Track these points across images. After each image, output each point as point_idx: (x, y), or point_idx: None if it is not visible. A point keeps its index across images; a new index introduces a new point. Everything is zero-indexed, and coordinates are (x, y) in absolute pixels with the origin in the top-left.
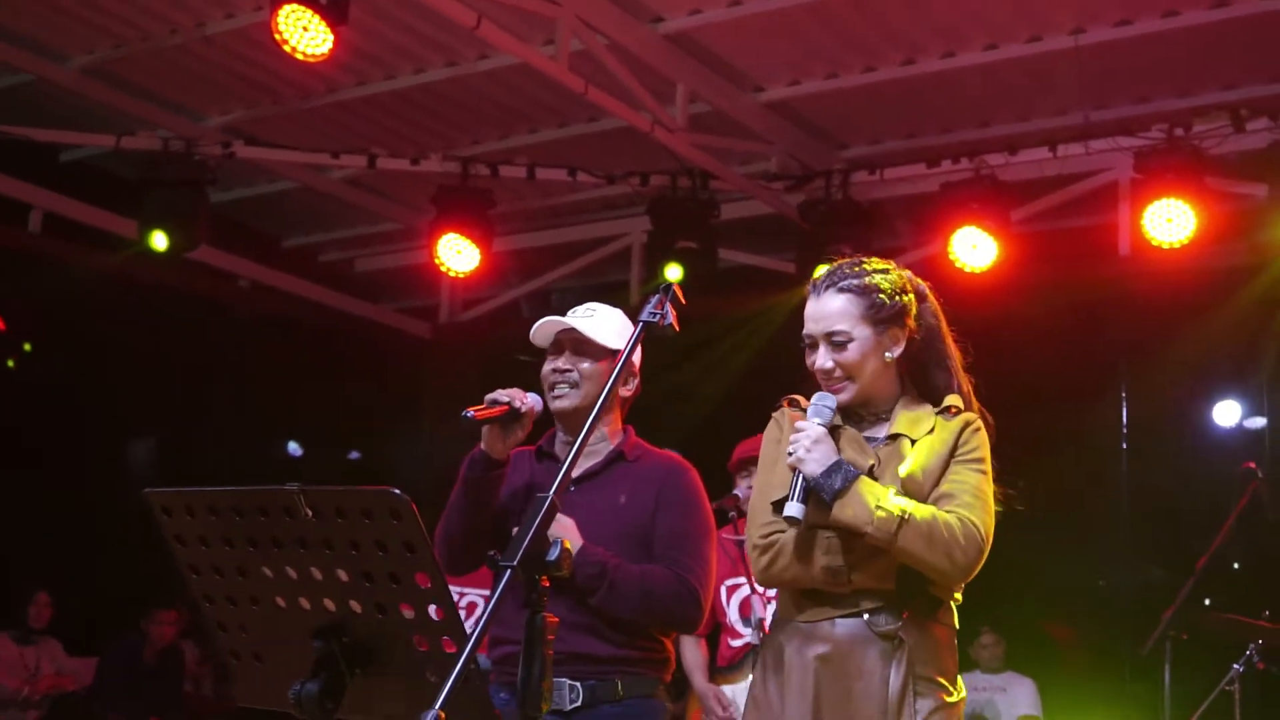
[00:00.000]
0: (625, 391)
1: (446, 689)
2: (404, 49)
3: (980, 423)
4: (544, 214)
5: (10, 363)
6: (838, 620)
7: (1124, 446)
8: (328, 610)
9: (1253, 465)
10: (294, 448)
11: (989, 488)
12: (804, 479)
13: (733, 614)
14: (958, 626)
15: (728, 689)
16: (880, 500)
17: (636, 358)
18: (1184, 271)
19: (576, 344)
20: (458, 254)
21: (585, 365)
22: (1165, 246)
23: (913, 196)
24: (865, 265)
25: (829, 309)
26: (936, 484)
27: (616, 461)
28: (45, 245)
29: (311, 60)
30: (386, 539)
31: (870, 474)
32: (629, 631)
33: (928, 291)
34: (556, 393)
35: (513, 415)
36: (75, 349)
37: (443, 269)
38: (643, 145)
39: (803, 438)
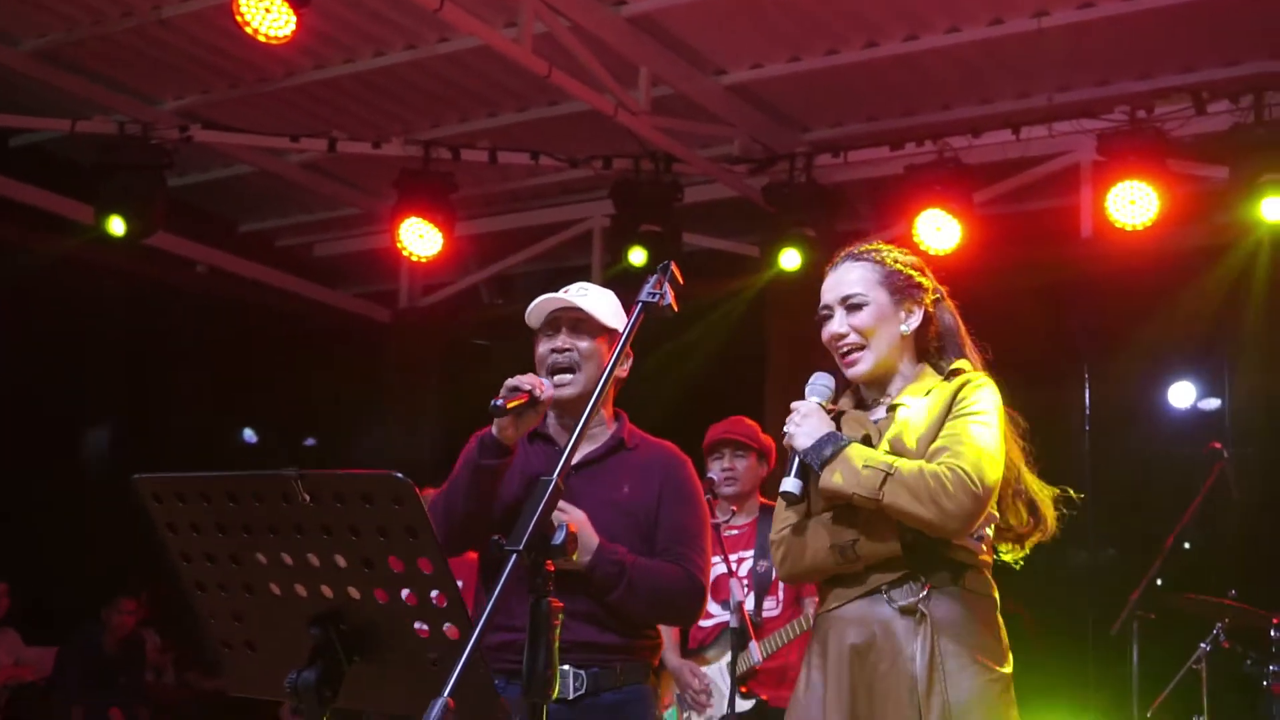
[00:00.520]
0: (622, 372)
1: (455, 675)
2: (364, 31)
3: (986, 381)
4: (504, 198)
5: None
6: (859, 601)
7: (1086, 428)
8: (325, 597)
9: (1218, 446)
10: (249, 435)
11: (990, 437)
12: (798, 455)
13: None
14: (996, 596)
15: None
16: (867, 460)
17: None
18: (1146, 254)
19: (574, 322)
20: (420, 238)
21: (584, 344)
22: (1128, 229)
23: (875, 179)
24: (883, 245)
25: (846, 276)
26: (932, 443)
27: (617, 450)
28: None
29: (274, 42)
30: (388, 524)
31: (865, 443)
32: (632, 621)
33: (945, 294)
34: (558, 380)
35: (531, 403)
36: (29, 335)
37: (405, 253)
38: (604, 129)
39: (794, 415)
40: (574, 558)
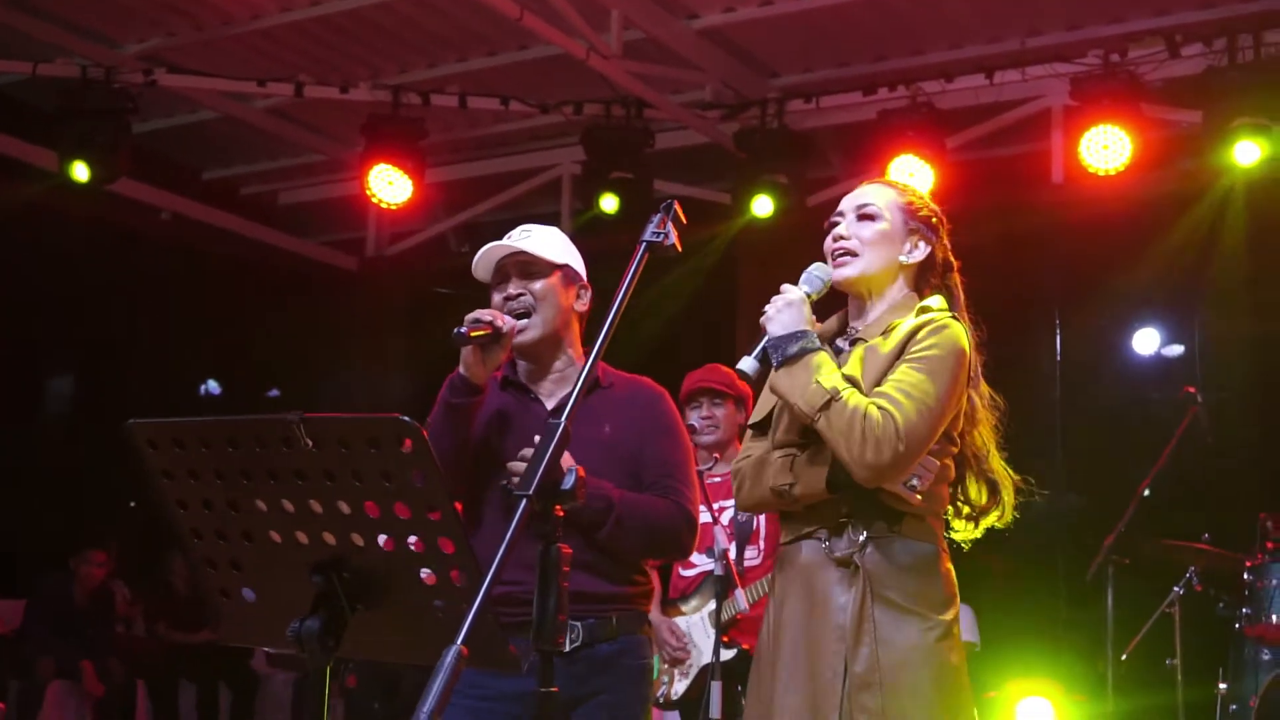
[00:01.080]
0: (580, 306)
1: (468, 624)
2: None
3: (948, 323)
4: (471, 145)
5: None
6: (801, 544)
7: (1057, 374)
8: (327, 544)
9: (1192, 390)
10: (213, 385)
11: (933, 388)
12: (764, 340)
13: None
14: (941, 544)
15: (680, 621)
16: (820, 376)
17: (583, 269)
18: (1117, 199)
19: (522, 266)
20: (389, 185)
21: (537, 285)
22: (1101, 173)
23: (848, 125)
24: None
25: (868, 189)
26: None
27: (594, 389)
28: None
29: None
30: (394, 469)
31: None
32: (625, 567)
33: (955, 268)
34: (518, 325)
35: (494, 336)
36: None
37: (374, 200)
38: (573, 74)
39: (778, 299)
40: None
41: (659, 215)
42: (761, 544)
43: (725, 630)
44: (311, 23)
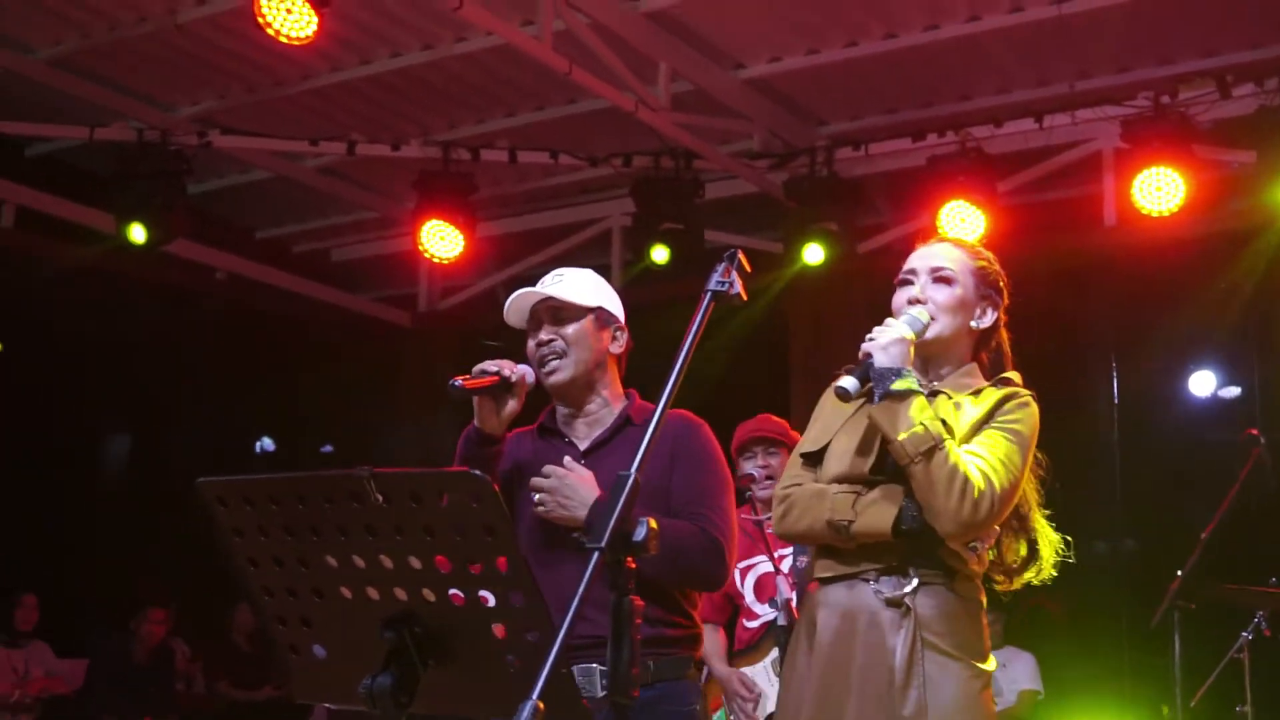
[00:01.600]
0: (615, 349)
1: (543, 677)
2: (380, 33)
3: (1031, 402)
4: (521, 199)
5: None
6: (846, 583)
7: (1115, 417)
8: (398, 600)
9: (1255, 432)
10: (267, 443)
11: (1019, 460)
12: (869, 367)
13: (749, 595)
14: (985, 603)
15: (747, 670)
16: (926, 420)
17: (620, 312)
18: (1171, 240)
19: (553, 312)
20: (441, 240)
21: (569, 330)
22: (1154, 215)
23: (897, 172)
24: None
25: (941, 250)
26: (965, 443)
27: (625, 426)
28: (18, 240)
29: (295, 44)
30: (465, 523)
31: None
32: (662, 608)
33: (1003, 326)
34: (548, 367)
35: (503, 386)
36: (49, 345)
37: (426, 255)
38: (622, 126)
39: (887, 331)
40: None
41: (723, 264)
42: None
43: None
44: (361, 82)
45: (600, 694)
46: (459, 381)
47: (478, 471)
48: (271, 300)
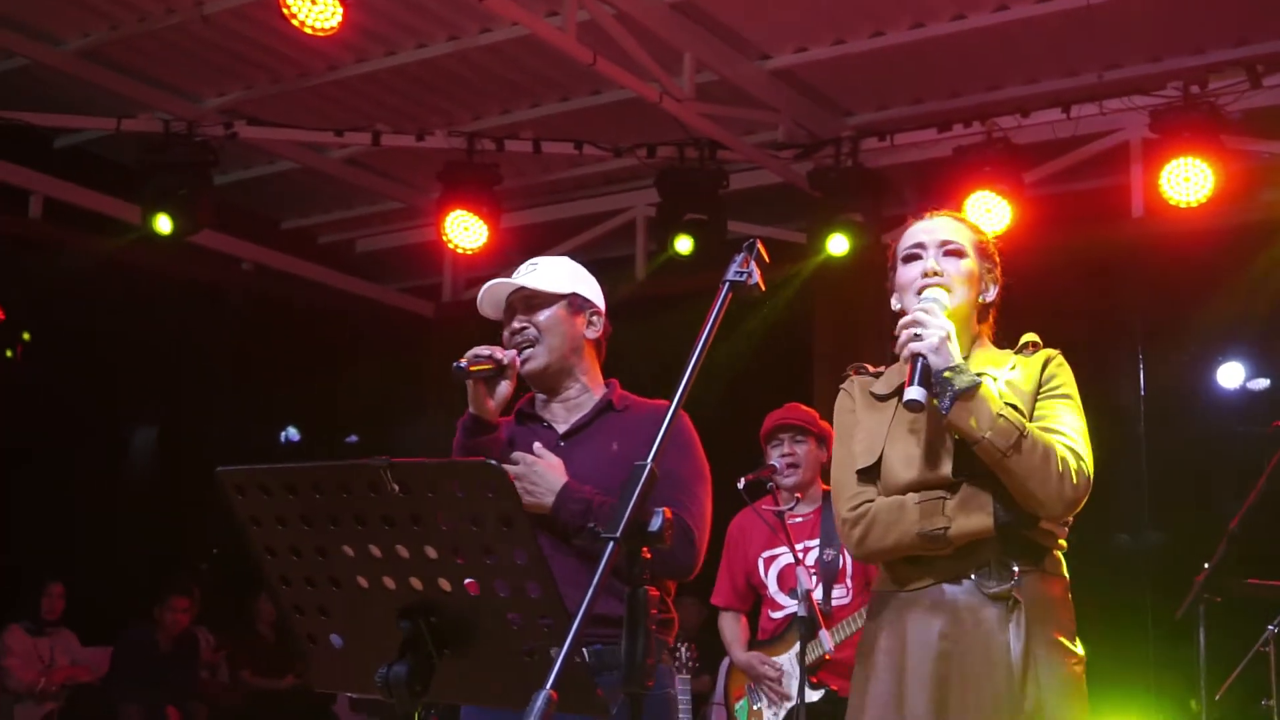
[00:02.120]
0: (591, 334)
1: (557, 668)
2: (405, 24)
3: (1062, 360)
4: (545, 190)
5: (9, 352)
6: (946, 586)
7: (1142, 409)
8: (414, 589)
9: None
10: (292, 433)
11: (1082, 420)
12: (924, 370)
13: (772, 585)
14: (1067, 576)
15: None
16: (1002, 409)
17: (597, 297)
18: (1199, 232)
19: (526, 300)
20: (466, 230)
21: (540, 318)
22: (1183, 206)
23: (923, 162)
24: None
25: (945, 224)
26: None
27: (605, 412)
28: (45, 231)
29: (320, 35)
30: (481, 513)
31: None
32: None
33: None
34: (522, 355)
35: (497, 370)
36: (75, 336)
37: (451, 246)
38: (646, 117)
39: (933, 329)
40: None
41: (742, 255)
42: (849, 583)
43: (813, 671)
44: (386, 73)
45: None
46: (463, 363)
47: (494, 462)
48: (297, 291)
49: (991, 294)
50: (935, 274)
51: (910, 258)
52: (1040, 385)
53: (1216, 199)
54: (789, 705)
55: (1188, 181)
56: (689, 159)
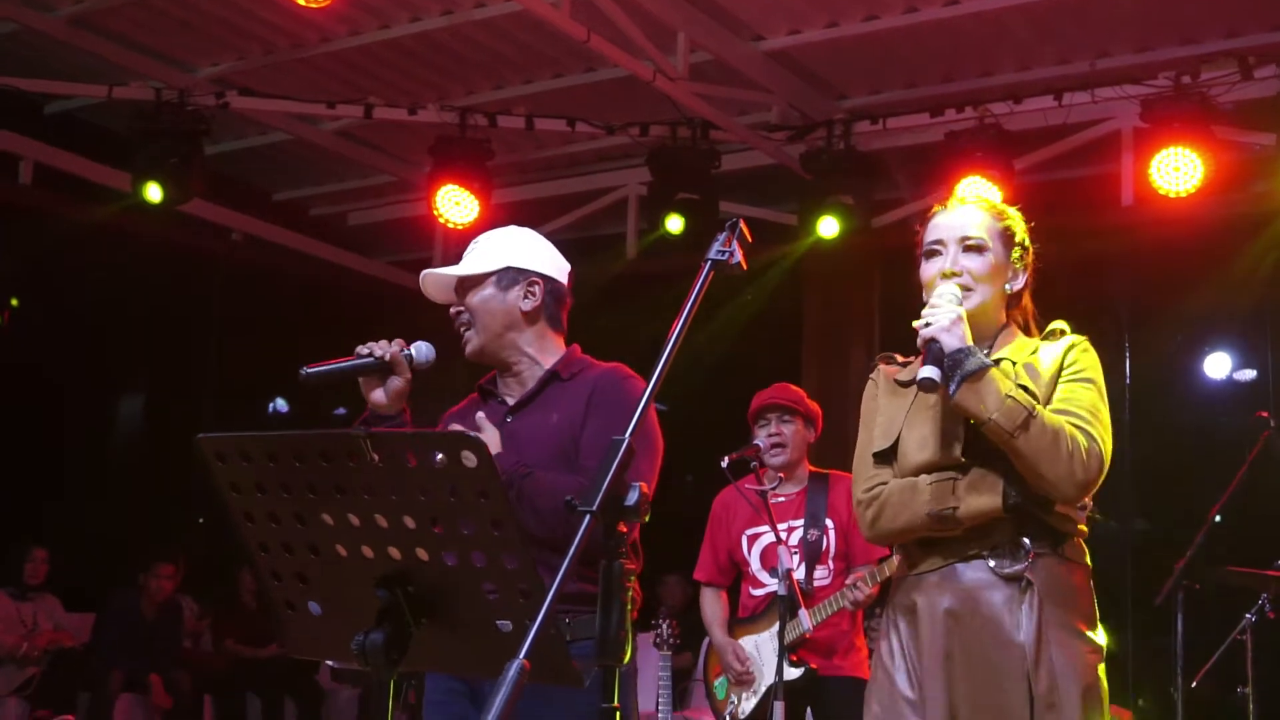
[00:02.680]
0: (527, 305)
1: (530, 638)
2: None
3: (1088, 346)
4: (537, 166)
5: None
6: (958, 566)
7: (1127, 398)
8: (392, 559)
9: (1265, 415)
10: (281, 404)
11: (1103, 405)
12: (937, 352)
13: (755, 563)
14: (1090, 564)
15: (749, 640)
16: (1010, 390)
17: (539, 264)
18: (1188, 221)
19: (459, 284)
20: (456, 206)
21: (473, 301)
22: (1172, 196)
23: (915, 146)
24: (1001, 203)
25: (966, 217)
26: (1045, 405)
27: (550, 384)
28: (35, 197)
29: (314, 6)
30: (459, 485)
31: None
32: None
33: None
34: (462, 339)
35: (373, 368)
36: (63, 303)
37: (441, 220)
38: (639, 95)
39: (943, 313)
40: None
41: (724, 234)
42: (831, 563)
43: (793, 649)
44: (380, 46)
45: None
46: (306, 370)
47: (472, 434)
48: (288, 262)
49: (1020, 282)
50: (954, 275)
51: (931, 254)
52: (1061, 369)
53: (1206, 189)
54: (767, 682)
55: (1177, 171)
56: (681, 138)
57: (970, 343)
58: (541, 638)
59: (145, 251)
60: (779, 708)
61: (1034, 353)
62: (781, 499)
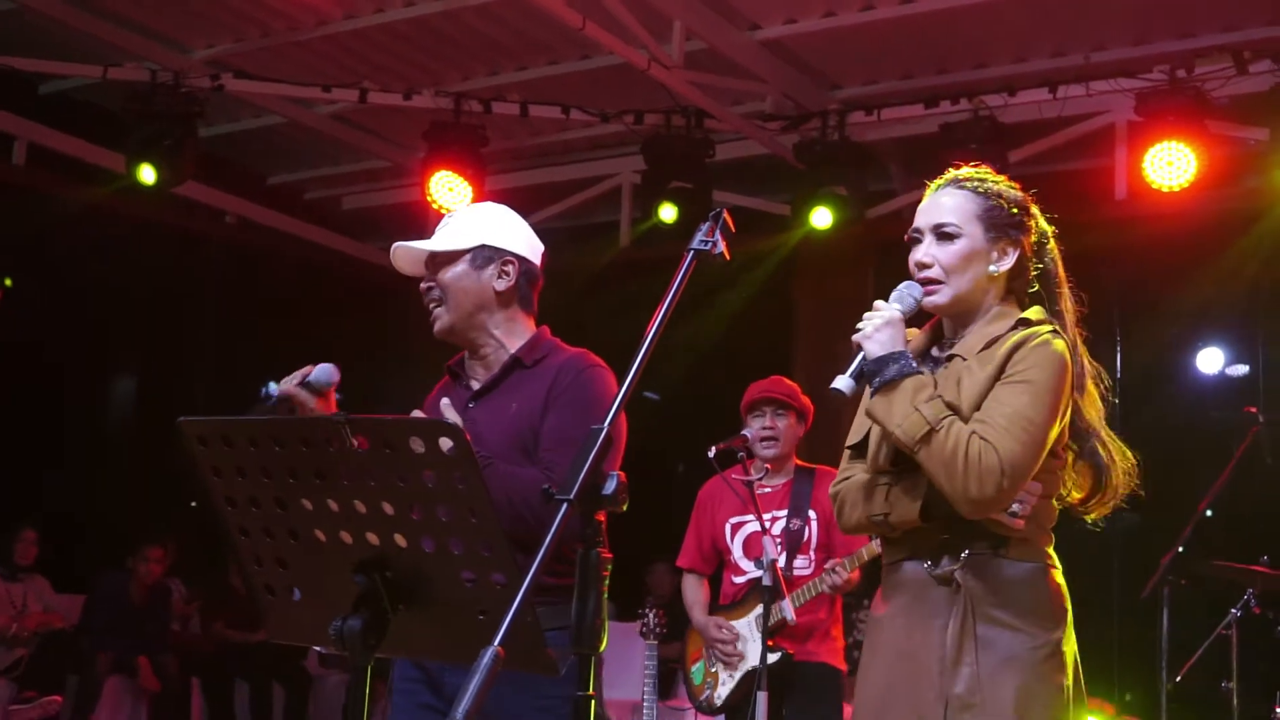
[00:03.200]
0: (501, 285)
1: (506, 624)
2: None
3: (1048, 338)
4: (532, 153)
5: None
6: (903, 564)
7: (1117, 392)
8: (370, 544)
9: (1254, 410)
10: (273, 388)
11: (1035, 413)
12: (861, 358)
13: (737, 551)
14: (1050, 561)
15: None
16: (920, 403)
17: (515, 244)
18: (1181, 216)
19: (431, 259)
20: (450, 191)
21: (445, 277)
22: (1165, 189)
23: (909, 138)
24: (990, 174)
25: (943, 202)
26: (977, 408)
27: (512, 370)
28: (29, 177)
29: None
30: (436, 471)
31: None
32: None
33: (1051, 236)
34: (431, 315)
35: (273, 409)
36: (57, 283)
37: (434, 206)
38: (634, 83)
39: (874, 316)
40: None
41: (707, 223)
42: (812, 554)
43: (772, 635)
44: (375, 30)
45: None
46: (268, 394)
47: (451, 420)
48: (282, 246)
49: (1007, 262)
50: (924, 266)
51: (913, 242)
52: (1003, 369)
53: (1200, 184)
54: (745, 667)
55: (1170, 166)
56: (676, 127)
57: (898, 348)
58: (517, 625)
59: (139, 233)
60: (762, 698)
61: (985, 346)
62: (767, 489)
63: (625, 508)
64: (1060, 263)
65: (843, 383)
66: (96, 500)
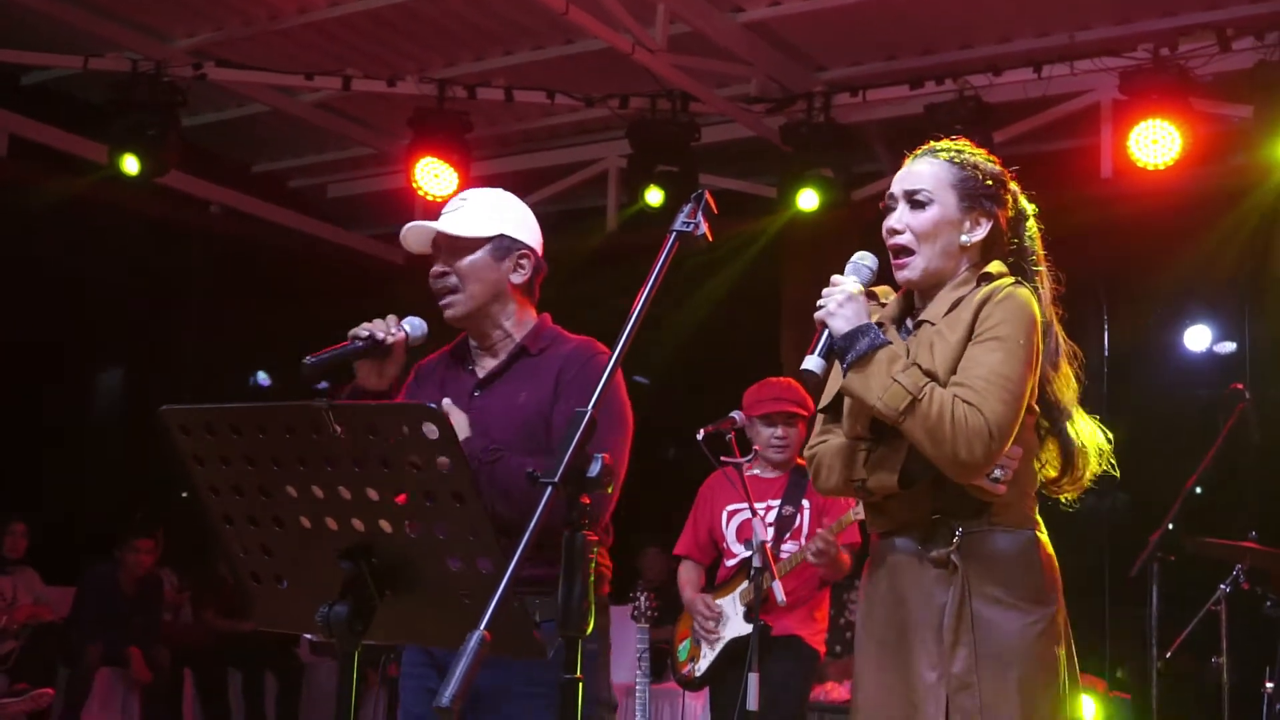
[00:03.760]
0: (517, 278)
1: (491, 608)
2: None
3: (1013, 291)
4: (517, 139)
5: None
6: (894, 540)
7: (1104, 370)
8: (356, 530)
9: (1240, 387)
10: (262, 378)
11: (1012, 370)
12: (828, 336)
13: (730, 537)
14: (1037, 530)
15: (718, 600)
16: (896, 374)
17: (528, 235)
18: (1166, 194)
19: (449, 243)
20: (435, 178)
21: (462, 264)
22: (1150, 168)
23: (895, 119)
24: (968, 146)
25: (918, 170)
26: (953, 371)
27: (519, 359)
28: (11, 169)
29: None
30: (420, 456)
31: None
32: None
33: (1030, 214)
34: (443, 302)
35: (375, 349)
36: (41, 275)
37: (420, 193)
38: (619, 68)
39: (834, 292)
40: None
41: (690, 205)
42: (802, 540)
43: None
44: (358, 16)
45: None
46: (308, 361)
47: (434, 406)
48: (267, 235)
49: (979, 233)
50: (895, 232)
51: (887, 210)
52: (971, 329)
53: (1185, 162)
54: (722, 643)
55: (1155, 144)
56: (661, 111)
57: (864, 320)
58: (504, 609)
59: (123, 224)
60: (753, 679)
61: (952, 307)
62: (770, 476)
63: (610, 490)
64: (1039, 242)
65: (813, 363)
66: (85, 492)
